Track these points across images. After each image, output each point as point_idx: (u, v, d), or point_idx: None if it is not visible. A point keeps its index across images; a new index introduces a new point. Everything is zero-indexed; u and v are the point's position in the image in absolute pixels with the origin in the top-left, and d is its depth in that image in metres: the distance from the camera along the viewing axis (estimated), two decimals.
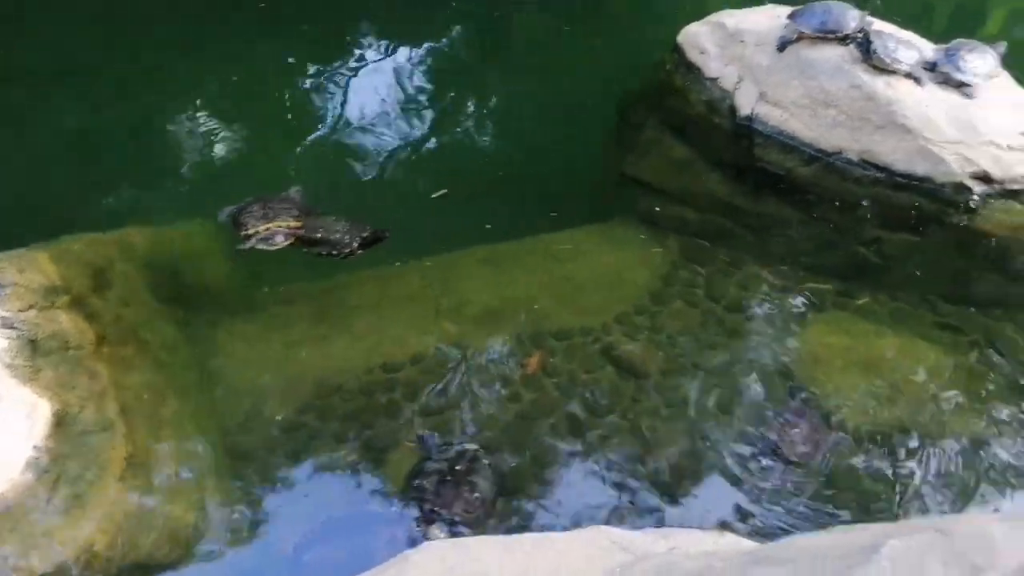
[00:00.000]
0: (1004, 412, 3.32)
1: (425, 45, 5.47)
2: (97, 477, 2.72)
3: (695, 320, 3.89)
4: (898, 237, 3.76)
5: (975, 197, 3.64)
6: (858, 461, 3.26)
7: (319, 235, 3.73)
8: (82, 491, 2.65)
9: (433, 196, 4.44)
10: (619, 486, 3.30)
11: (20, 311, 3.07)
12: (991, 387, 3.37)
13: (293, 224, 3.76)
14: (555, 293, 4.06)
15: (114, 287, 3.62)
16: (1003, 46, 3.84)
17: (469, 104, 5.13)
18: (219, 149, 4.93)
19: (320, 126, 5.04)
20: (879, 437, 3.26)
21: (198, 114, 5.11)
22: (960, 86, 3.71)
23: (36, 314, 3.09)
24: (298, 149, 4.90)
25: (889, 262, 3.78)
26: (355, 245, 3.74)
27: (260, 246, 3.72)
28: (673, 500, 3.26)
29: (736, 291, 3.95)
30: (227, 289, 4.06)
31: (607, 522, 3.20)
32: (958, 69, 3.70)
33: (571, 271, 4.16)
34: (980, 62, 3.71)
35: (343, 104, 5.11)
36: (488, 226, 4.37)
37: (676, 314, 3.90)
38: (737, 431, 3.45)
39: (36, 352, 2.96)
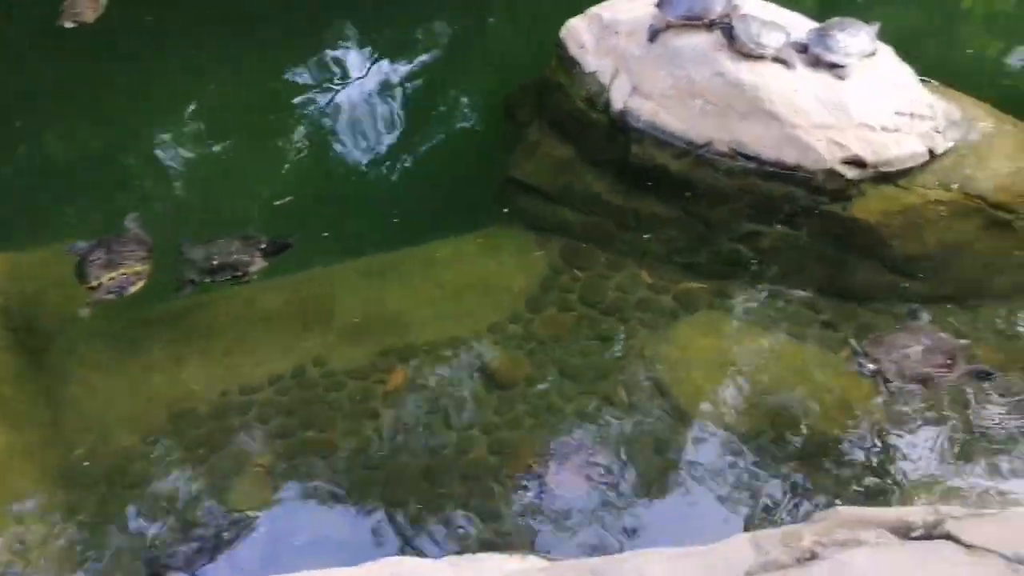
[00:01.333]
0: (875, 413, 3.13)
1: (305, 46, 5.32)
2: None
3: (568, 326, 3.72)
4: (773, 230, 3.56)
5: (848, 183, 3.44)
6: (718, 464, 3.10)
7: (215, 262, 3.57)
8: None
9: (277, 203, 4.27)
10: (470, 506, 3.16)
11: None
12: (863, 385, 3.19)
13: (140, 268, 3.55)
14: (430, 303, 3.92)
15: None
16: (877, 24, 3.64)
17: (352, 106, 4.97)
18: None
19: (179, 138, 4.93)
20: (737, 441, 3.10)
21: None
22: (832, 67, 3.51)
23: None
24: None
25: (764, 257, 3.58)
26: (258, 259, 3.62)
27: (109, 297, 3.51)
28: (531, 514, 3.11)
29: (613, 294, 3.78)
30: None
31: (453, 545, 3.06)
32: (829, 49, 3.49)
33: (448, 279, 4.00)
34: (853, 41, 3.50)
35: (207, 110, 4.99)
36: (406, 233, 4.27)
37: (550, 321, 3.74)
38: (598, 437, 3.30)
39: None
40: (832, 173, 3.44)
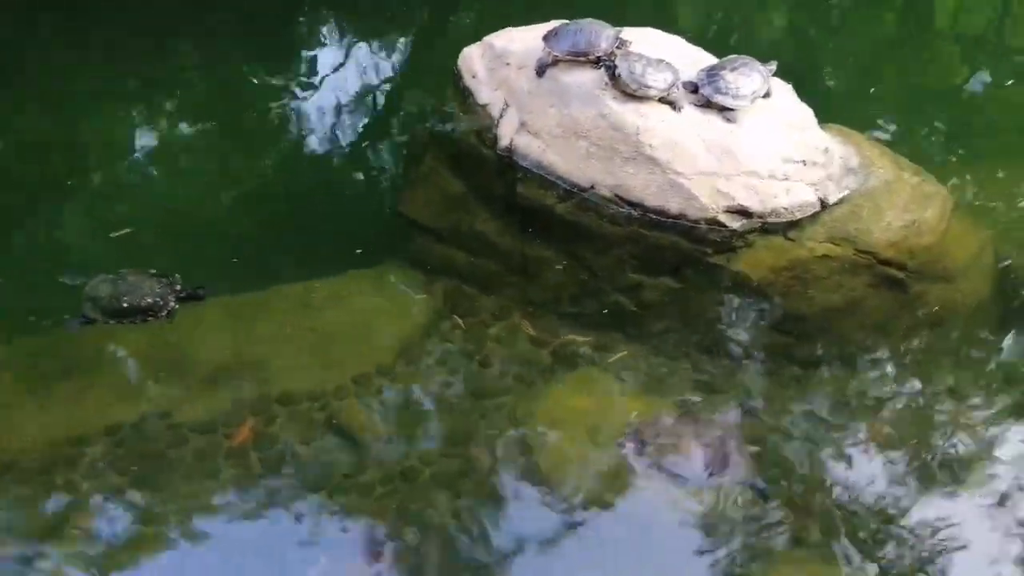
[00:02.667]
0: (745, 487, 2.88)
1: (202, 65, 5.09)
2: None
3: (441, 380, 3.48)
4: (658, 282, 3.33)
5: (733, 234, 3.22)
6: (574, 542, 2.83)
7: (125, 303, 3.27)
8: None
9: (113, 235, 4.01)
10: None
11: None
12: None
13: None
14: (297, 350, 3.64)
15: None
16: (773, 64, 3.44)
17: (235, 131, 4.73)
18: None
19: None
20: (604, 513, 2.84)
21: None
22: (722, 110, 3.31)
23: None
24: None
25: (648, 311, 3.36)
26: (171, 302, 3.32)
27: None
28: None
29: (492, 346, 3.53)
30: None
31: None
32: (718, 91, 3.28)
33: (321, 322, 3.73)
34: (744, 81, 3.29)
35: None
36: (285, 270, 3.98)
37: (423, 373, 3.48)
38: (453, 509, 3.02)
39: None
40: (716, 223, 3.22)
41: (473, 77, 3.88)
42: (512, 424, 3.17)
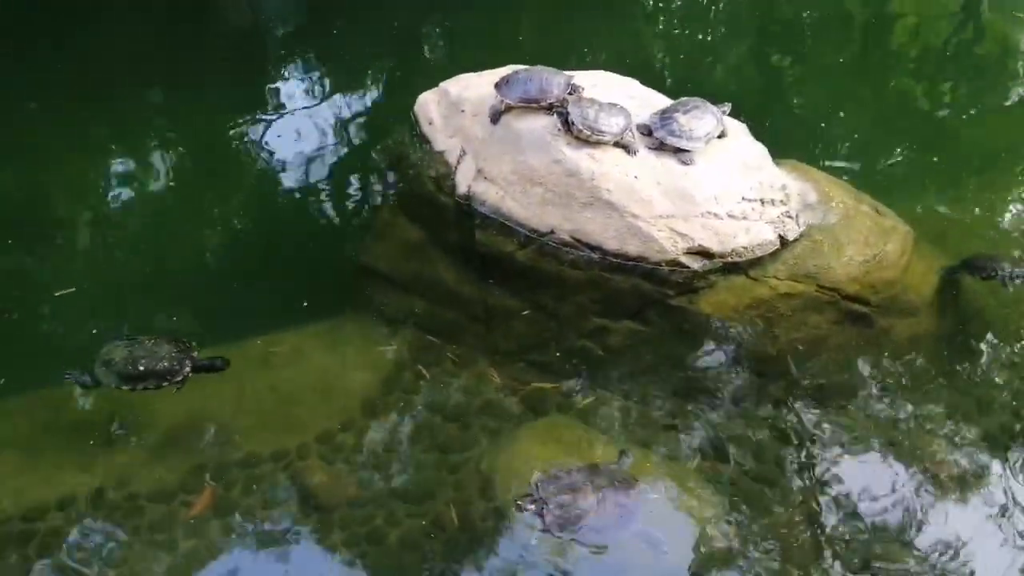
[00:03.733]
0: (720, 529, 2.83)
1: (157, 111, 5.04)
2: None
3: (405, 435, 3.40)
4: (621, 326, 3.30)
5: (695, 275, 3.21)
6: None
7: (142, 367, 3.15)
8: None
9: (57, 294, 3.91)
10: None
11: None
12: (713, 503, 2.89)
13: None
14: (257, 409, 3.54)
15: None
16: (727, 105, 3.46)
17: (208, 181, 4.67)
18: None
19: None
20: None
21: None
22: (677, 152, 3.31)
23: None
24: None
25: (614, 355, 3.31)
26: (187, 369, 3.20)
27: None
28: None
29: (458, 396, 3.46)
30: None
31: None
32: (672, 133, 3.28)
33: (281, 379, 3.64)
34: (697, 123, 3.29)
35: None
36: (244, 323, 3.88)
37: (387, 428, 3.40)
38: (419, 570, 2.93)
39: None
40: (676, 264, 3.19)
41: (429, 124, 3.85)
42: (479, 478, 3.10)
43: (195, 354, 3.25)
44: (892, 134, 5.13)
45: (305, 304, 3.96)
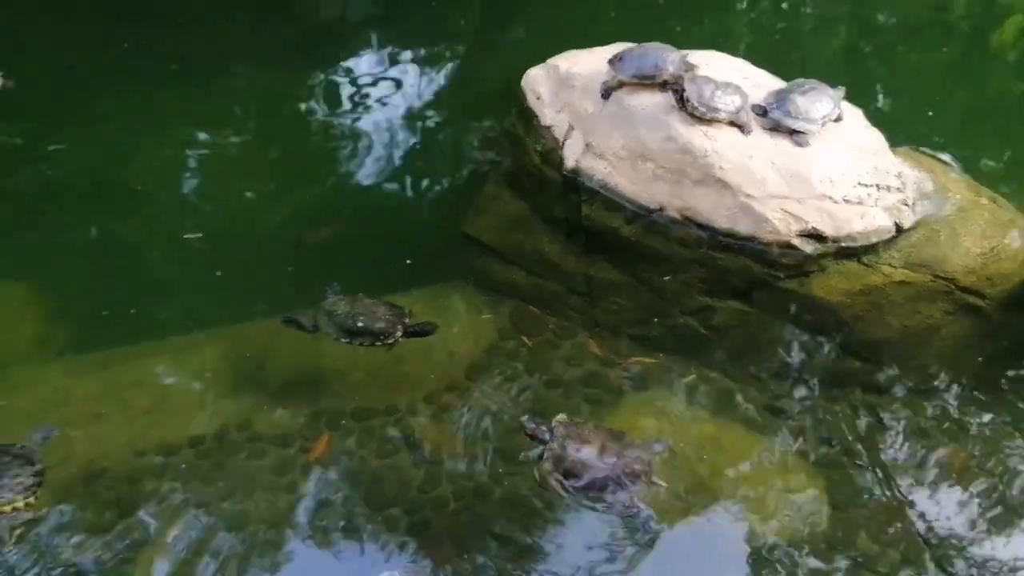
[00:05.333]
0: (822, 525, 2.85)
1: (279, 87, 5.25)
2: None
3: (508, 399, 3.52)
4: (727, 305, 3.33)
5: (806, 258, 3.20)
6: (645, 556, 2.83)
7: (360, 324, 3.31)
8: None
9: (185, 236, 4.14)
10: None
11: None
12: (812, 483, 2.92)
13: (22, 503, 2.88)
14: (368, 366, 3.72)
15: None
16: (842, 88, 3.42)
17: (310, 145, 4.86)
18: None
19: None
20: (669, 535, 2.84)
21: None
22: (792, 133, 3.29)
23: None
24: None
25: (718, 334, 3.35)
26: (399, 333, 3.34)
27: None
28: None
29: (559, 365, 3.56)
30: (16, 360, 3.80)
31: None
32: (788, 114, 3.27)
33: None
34: (814, 105, 3.28)
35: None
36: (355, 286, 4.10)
37: (490, 391, 3.53)
38: (524, 526, 3.06)
39: None
40: (788, 247, 3.20)
41: (537, 99, 3.94)
42: None
43: (407, 319, 3.37)
44: (998, 131, 4.96)
45: (405, 271, 4.15)
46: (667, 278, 3.33)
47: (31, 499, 2.89)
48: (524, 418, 2.95)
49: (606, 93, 3.58)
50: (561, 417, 2.95)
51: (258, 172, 4.83)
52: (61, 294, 4.12)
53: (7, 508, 2.82)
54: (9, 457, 2.99)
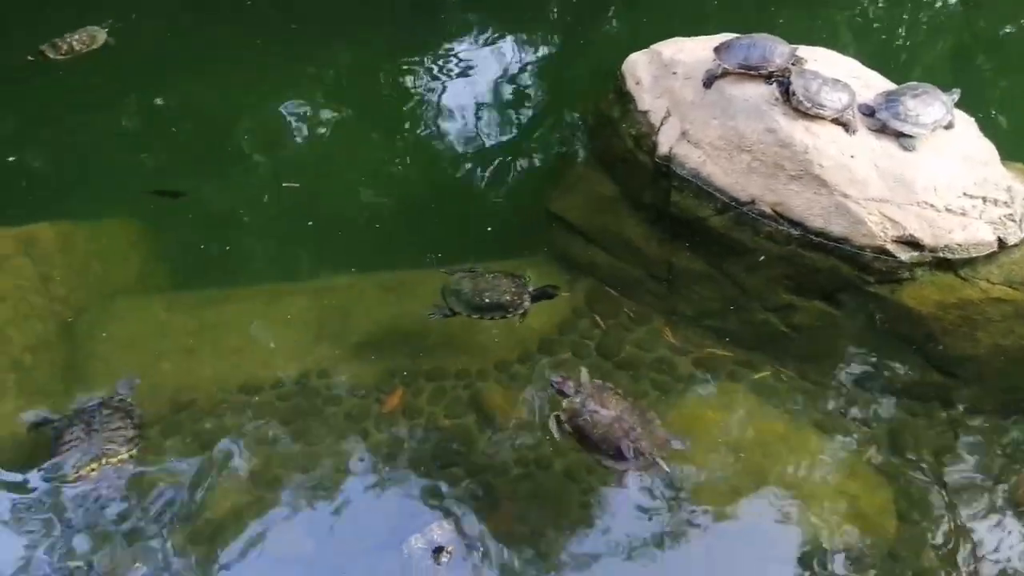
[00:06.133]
0: (889, 531, 2.78)
1: (381, 67, 5.38)
2: None
3: (576, 374, 3.57)
4: (811, 305, 3.27)
5: (900, 265, 3.11)
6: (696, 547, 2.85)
7: (487, 300, 3.39)
8: None
9: (284, 185, 4.31)
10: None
11: None
12: (880, 493, 2.85)
13: (127, 454, 2.98)
14: (443, 330, 3.83)
15: None
16: (957, 92, 3.29)
17: (407, 118, 4.97)
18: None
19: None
20: (723, 527, 2.84)
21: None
22: (899, 136, 3.19)
23: None
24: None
25: (798, 333, 3.29)
26: (526, 302, 3.40)
27: (92, 490, 2.90)
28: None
29: (631, 349, 3.58)
30: (124, 290, 4.08)
31: None
32: (896, 116, 3.18)
33: None
34: (925, 109, 3.17)
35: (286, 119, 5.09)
36: (437, 255, 4.19)
37: (558, 366, 3.58)
38: (582, 501, 3.10)
39: None
40: (882, 252, 3.13)
41: (636, 83, 3.94)
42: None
43: (530, 288, 3.41)
44: None
45: (490, 242, 4.22)
46: (759, 261, 3.27)
47: (133, 451, 3.03)
48: (551, 373, 3.07)
49: (708, 81, 3.55)
50: (585, 374, 3.08)
51: (354, 136, 4.99)
52: (163, 235, 4.40)
53: (114, 460, 2.95)
54: (109, 410, 3.14)
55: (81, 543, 2.93)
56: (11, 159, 4.78)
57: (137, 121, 5.14)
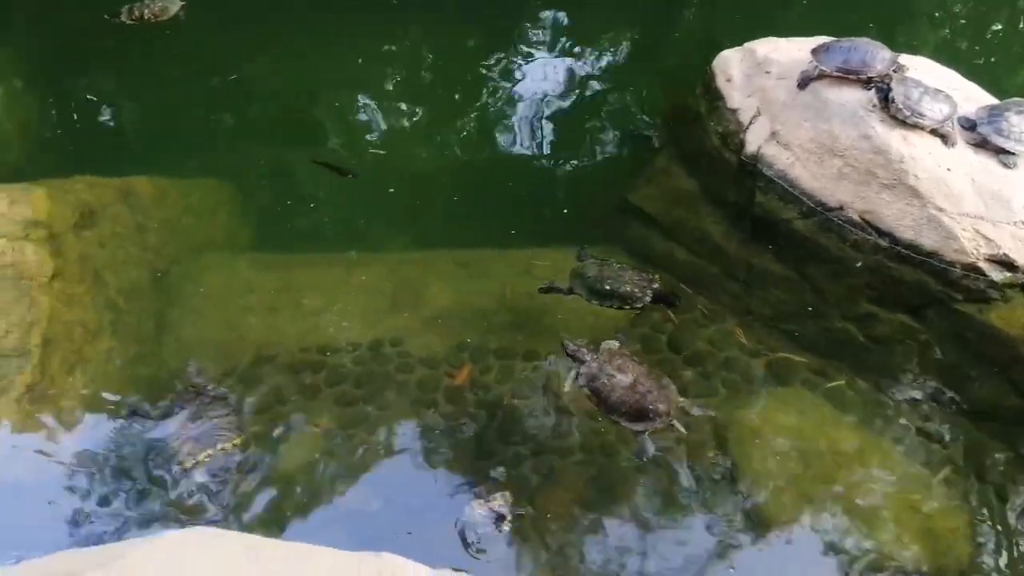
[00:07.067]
0: (963, 556, 2.73)
1: (474, 40, 5.45)
2: None
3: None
4: (893, 317, 3.22)
5: (991, 284, 3.04)
6: (759, 550, 2.84)
7: (608, 287, 3.42)
8: None
9: (371, 150, 4.45)
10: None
11: None
12: (954, 515, 2.80)
13: (237, 441, 3.15)
14: (516, 310, 3.90)
15: (98, 227, 3.90)
16: None
17: (497, 101, 5.03)
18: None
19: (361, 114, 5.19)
20: (789, 533, 2.83)
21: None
22: (999, 152, 3.11)
23: (5, 243, 3.39)
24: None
25: (878, 344, 3.25)
26: (647, 300, 3.41)
27: (202, 479, 3.03)
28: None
29: (703, 346, 3.58)
30: (212, 246, 4.25)
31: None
32: (999, 132, 3.09)
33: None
34: None
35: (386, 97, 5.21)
36: (512, 233, 4.27)
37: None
38: (645, 492, 3.13)
39: None
40: (973, 269, 3.06)
41: (727, 80, 3.91)
42: (712, 426, 3.23)
43: (655, 286, 3.40)
44: None
45: (565, 228, 4.26)
46: (843, 268, 3.23)
47: (236, 440, 3.18)
48: (566, 340, 3.20)
49: (803, 82, 3.51)
50: (611, 343, 3.17)
51: (435, 115, 5.07)
52: (248, 197, 4.58)
53: (228, 446, 3.12)
54: (208, 399, 3.34)
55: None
56: (109, 114, 5.04)
57: (219, 88, 5.34)
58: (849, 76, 3.36)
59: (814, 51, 3.48)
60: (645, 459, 3.00)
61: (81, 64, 5.31)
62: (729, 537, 2.92)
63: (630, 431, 3.02)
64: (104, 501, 3.03)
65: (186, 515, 2.99)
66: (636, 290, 3.31)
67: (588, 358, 3.11)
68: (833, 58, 3.39)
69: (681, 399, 3.02)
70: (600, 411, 3.04)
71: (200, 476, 3.00)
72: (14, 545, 2.84)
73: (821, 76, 3.45)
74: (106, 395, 3.34)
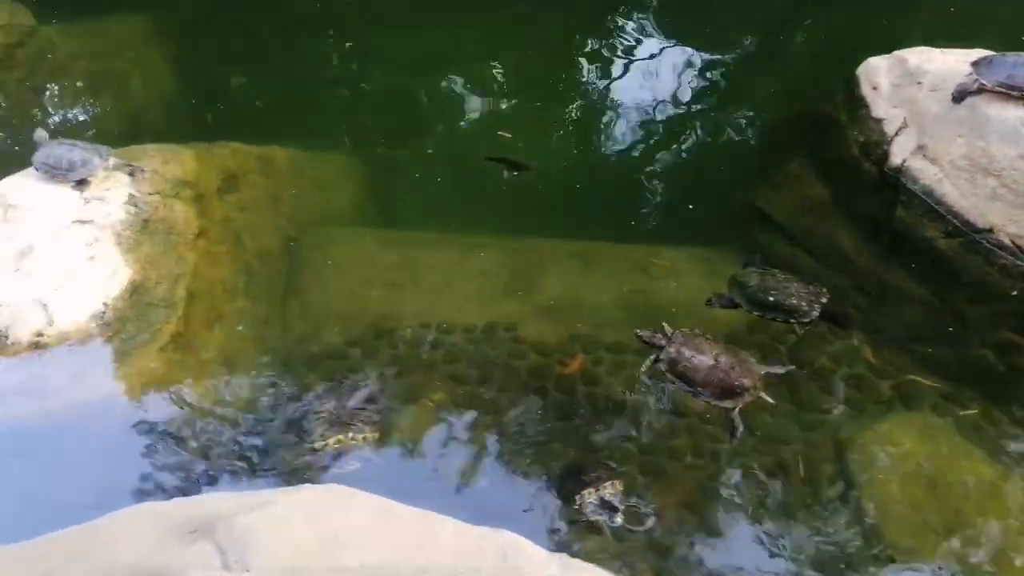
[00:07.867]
0: None
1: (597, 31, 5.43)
2: (145, 342, 3.16)
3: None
4: None
5: None
6: None
7: (771, 299, 3.24)
8: (128, 349, 3.11)
9: (499, 133, 4.52)
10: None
11: (148, 194, 3.63)
12: None
13: (370, 434, 3.10)
14: (629, 305, 3.89)
15: (239, 192, 4.12)
16: None
17: (625, 95, 5.02)
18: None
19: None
20: (909, 564, 2.72)
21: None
22: None
23: (159, 199, 3.64)
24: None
25: (1017, 375, 3.08)
26: (815, 315, 3.19)
27: (323, 464, 3.01)
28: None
29: (825, 361, 3.47)
30: (339, 219, 4.43)
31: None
32: None
33: (655, 288, 3.95)
34: None
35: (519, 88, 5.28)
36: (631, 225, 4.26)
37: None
38: (758, 498, 3.08)
39: (144, 230, 3.49)
40: None
41: (873, 89, 3.76)
42: (834, 445, 3.14)
43: (824, 299, 3.20)
44: None
45: (682, 227, 4.23)
46: (989, 294, 3.10)
47: (374, 434, 3.20)
48: (638, 330, 3.25)
49: (959, 96, 3.34)
50: (679, 334, 3.19)
51: (559, 106, 5.10)
52: (374, 174, 4.74)
53: (359, 438, 3.12)
54: (361, 392, 3.40)
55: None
56: (241, 83, 5.28)
57: (344, 66, 5.52)
58: (1012, 92, 3.18)
59: (975, 64, 3.30)
60: (738, 436, 3.01)
61: (214, 34, 5.60)
62: (845, 556, 2.85)
63: (720, 410, 3.05)
64: (237, 454, 3.23)
65: (309, 476, 3.16)
66: (804, 304, 3.15)
67: (663, 342, 3.15)
68: (996, 72, 3.21)
69: (762, 369, 3.05)
70: (688, 394, 3.09)
71: (327, 458, 3.02)
72: (155, 486, 3.07)
73: (981, 90, 3.28)
74: (240, 353, 3.56)
